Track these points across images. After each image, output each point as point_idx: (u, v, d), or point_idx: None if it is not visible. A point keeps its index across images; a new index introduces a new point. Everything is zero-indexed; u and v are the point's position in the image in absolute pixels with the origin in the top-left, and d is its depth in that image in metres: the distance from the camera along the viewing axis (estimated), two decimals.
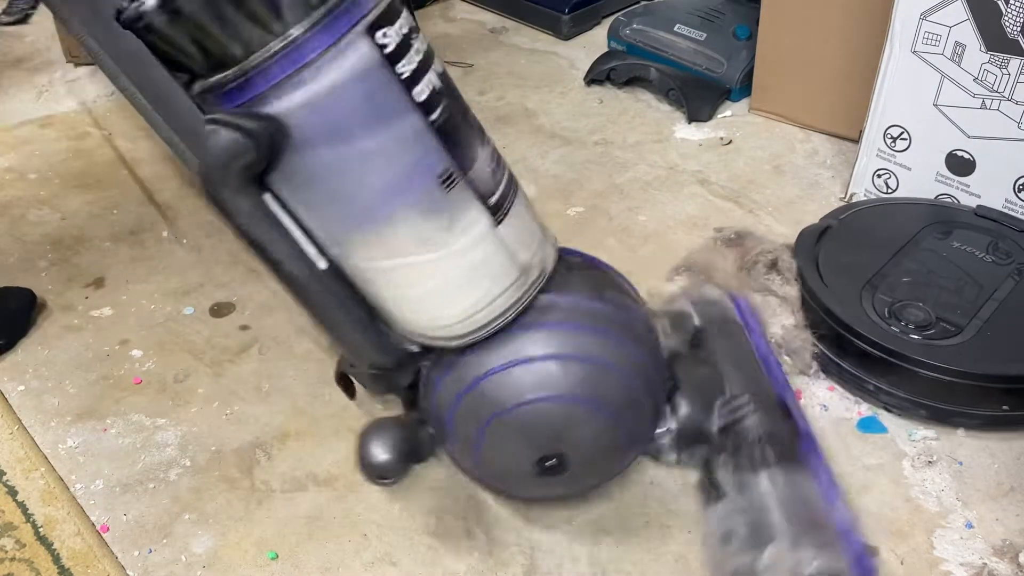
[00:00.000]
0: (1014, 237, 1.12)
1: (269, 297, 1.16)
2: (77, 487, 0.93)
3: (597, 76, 1.61)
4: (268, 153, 0.69)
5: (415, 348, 0.82)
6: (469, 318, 0.77)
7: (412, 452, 0.85)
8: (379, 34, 0.68)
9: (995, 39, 1.10)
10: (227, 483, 0.93)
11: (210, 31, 0.65)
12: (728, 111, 1.54)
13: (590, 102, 1.58)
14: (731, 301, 0.98)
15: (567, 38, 1.78)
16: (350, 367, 0.90)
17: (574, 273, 0.84)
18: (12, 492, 0.92)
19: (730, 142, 1.46)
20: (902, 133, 1.23)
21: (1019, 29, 1.07)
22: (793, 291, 1.07)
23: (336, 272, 0.76)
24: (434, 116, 0.72)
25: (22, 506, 0.90)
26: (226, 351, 1.08)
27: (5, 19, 1.87)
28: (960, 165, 1.19)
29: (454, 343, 0.79)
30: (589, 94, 1.60)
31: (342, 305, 0.78)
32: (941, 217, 1.16)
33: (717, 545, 0.82)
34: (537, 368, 0.79)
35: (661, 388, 0.86)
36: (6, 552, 0.86)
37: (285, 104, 0.67)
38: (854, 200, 1.30)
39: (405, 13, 0.71)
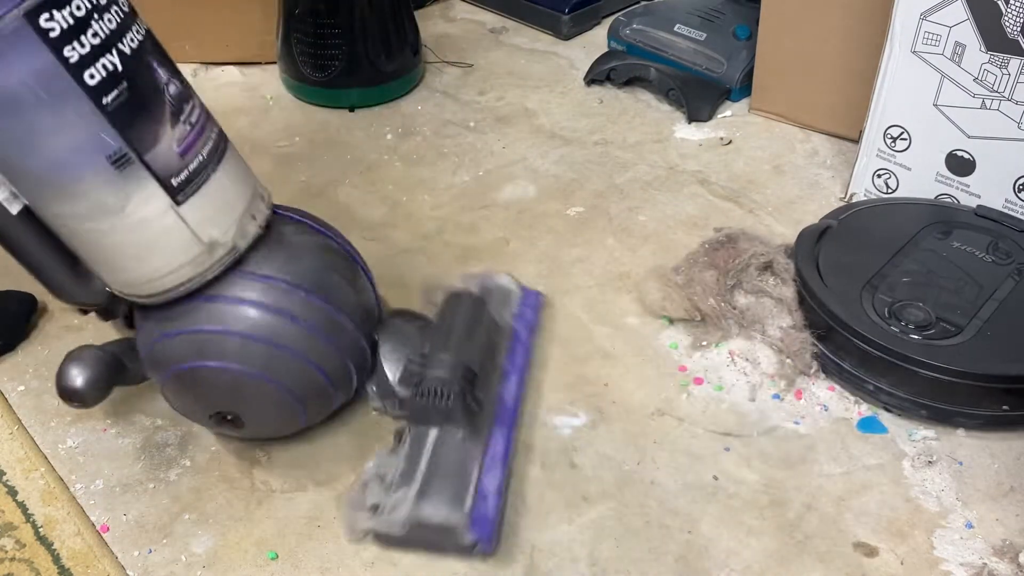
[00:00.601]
0: (1014, 237, 1.12)
1: None
2: (77, 487, 0.93)
3: (597, 76, 1.61)
4: None
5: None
6: (150, 283, 0.83)
7: (111, 381, 0.90)
8: (43, 18, 0.69)
9: (995, 39, 1.10)
10: (227, 483, 0.93)
11: None
12: (728, 111, 1.54)
13: (590, 102, 1.58)
14: (520, 290, 1.09)
15: (567, 38, 1.78)
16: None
17: (279, 249, 0.89)
18: (12, 492, 0.92)
19: (730, 142, 1.46)
20: (902, 133, 1.23)
21: (1019, 29, 1.07)
22: (789, 292, 1.07)
23: (33, 216, 0.79)
24: (107, 99, 0.74)
25: (22, 506, 0.90)
26: None
27: None
28: (960, 165, 1.19)
29: (141, 301, 0.85)
30: (589, 94, 1.60)
31: (41, 248, 0.81)
32: (941, 217, 1.16)
33: (360, 486, 0.88)
34: (206, 338, 0.86)
35: (358, 348, 0.93)
36: (6, 552, 0.86)
37: None
38: (854, 200, 1.30)
39: None
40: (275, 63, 1.62)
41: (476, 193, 1.35)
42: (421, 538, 0.85)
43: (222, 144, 0.85)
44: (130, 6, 0.78)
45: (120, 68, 0.74)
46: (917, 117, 1.20)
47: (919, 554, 0.86)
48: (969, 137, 1.17)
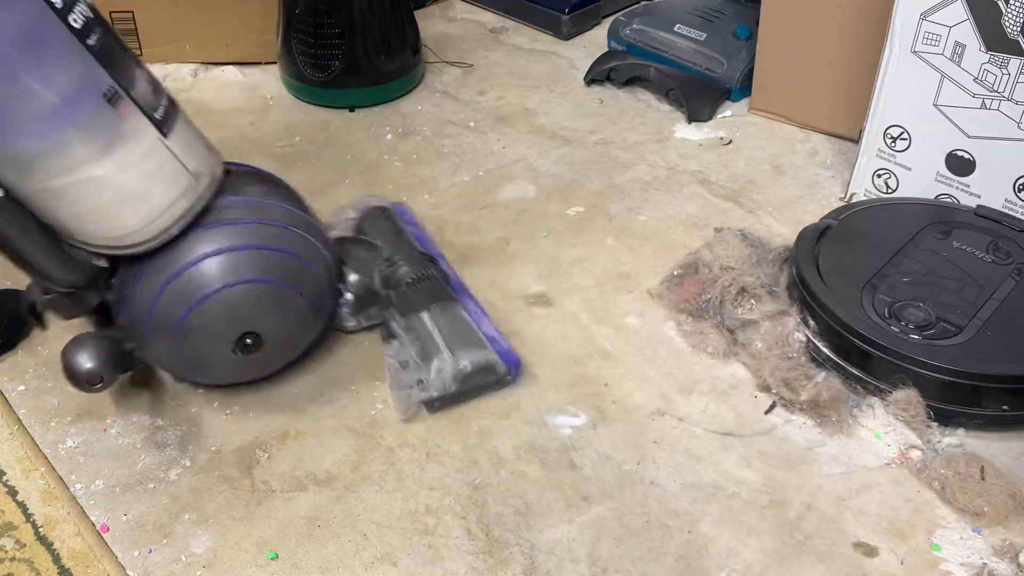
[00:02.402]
0: (1014, 237, 1.12)
1: None
2: (77, 487, 0.93)
3: (597, 76, 1.61)
4: None
5: (103, 263, 0.91)
6: (150, 224, 0.87)
7: (118, 363, 0.93)
8: None
9: (995, 39, 1.10)
10: (227, 483, 0.93)
11: None
12: (728, 111, 1.54)
13: (590, 102, 1.58)
14: (390, 205, 1.21)
15: (567, 38, 1.78)
16: (42, 295, 0.95)
17: (243, 180, 0.97)
18: (12, 492, 0.92)
19: (730, 142, 1.46)
20: (902, 133, 1.23)
21: (1019, 29, 1.07)
22: (771, 305, 1.06)
23: (13, 199, 0.82)
24: (91, 41, 0.80)
25: (22, 506, 0.90)
26: None
27: None
28: (960, 165, 1.19)
29: (140, 249, 0.88)
30: (589, 94, 1.60)
31: (24, 231, 0.84)
32: (941, 217, 1.16)
33: (395, 374, 1.01)
34: (224, 258, 0.91)
35: (333, 267, 1.01)
36: (6, 552, 0.86)
37: None
38: (854, 200, 1.30)
39: None
40: (275, 63, 1.62)
41: (476, 193, 1.35)
42: (469, 386, 1.00)
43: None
44: None
45: (92, 15, 0.82)
46: (917, 117, 1.20)
47: (919, 554, 0.86)
48: (969, 137, 1.17)
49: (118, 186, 0.84)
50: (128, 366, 0.96)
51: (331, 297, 1.02)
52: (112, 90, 0.82)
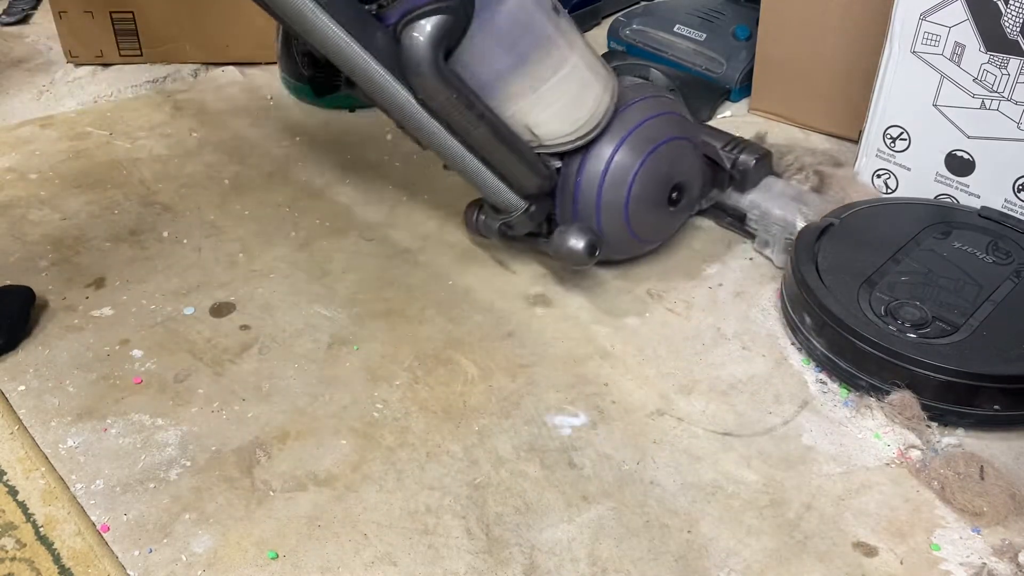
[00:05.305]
0: (1015, 238, 1.12)
1: (269, 297, 1.16)
2: (77, 487, 0.93)
3: None
4: (464, 24, 0.98)
5: (557, 164, 1.11)
6: (596, 109, 1.07)
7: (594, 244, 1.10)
8: None
9: (995, 39, 1.10)
10: (227, 483, 0.93)
11: None
12: (728, 111, 1.54)
13: None
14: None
15: None
16: (495, 219, 1.15)
17: (624, 78, 1.18)
18: (12, 492, 0.92)
19: None
20: (902, 133, 1.23)
21: (1019, 29, 1.07)
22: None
23: (502, 121, 1.05)
24: None
25: (22, 506, 0.90)
26: (226, 351, 1.09)
27: (6, 19, 1.87)
28: (960, 165, 1.19)
29: (591, 136, 1.08)
30: None
31: (515, 142, 1.06)
32: (942, 217, 1.16)
33: (766, 235, 1.21)
34: (653, 123, 1.11)
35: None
36: (6, 552, 0.86)
37: None
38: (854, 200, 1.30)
39: None
40: (275, 63, 1.62)
41: (476, 193, 1.35)
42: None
43: None
44: None
45: None
46: (917, 117, 1.20)
47: (919, 554, 0.86)
48: (969, 137, 1.17)
49: (574, 84, 1.05)
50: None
51: (704, 172, 1.21)
52: (553, 4, 1.05)
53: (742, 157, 1.23)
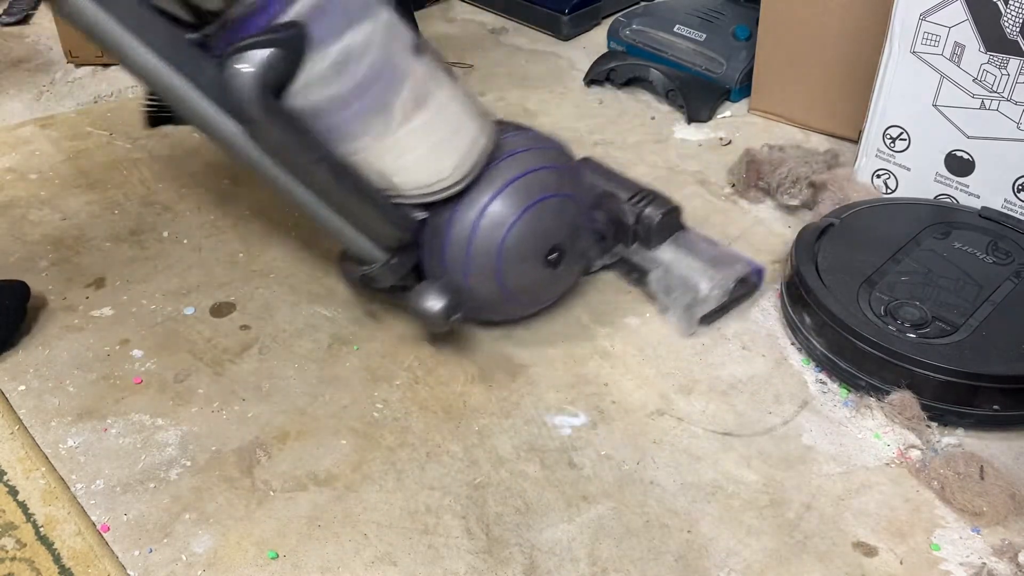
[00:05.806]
0: (1015, 238, 1.12)
1: (269, 297, 1.16)
2: (77, 487, 0.93)
3: (597, 77, 1.61)
4: (297, 59, 0.88)
5: (421, 215, 1.01)
6: (472, 148, 0.98)
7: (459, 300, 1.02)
8: None
9: (994, 39, 1.10)
10: (227, 483, 0.93)
11: None
12: (728, 111, 1.54)
13: (590, 103, 1.58)
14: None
15: (567, 38, 1.78)
16: (357, 271, 1.04)
17: (505, 125, 1.07)
18: (13, 492, 0.92)
19: (730, 142, 1.46)
20: (901, 133, 1.23)
21: (1018, 29, 1.07)
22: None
23: (349, 166, 0.95)
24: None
25: (22, 506, 0.90)
26: (226, 351, 1.09)
27: (6, 19, 1.87)
28: (959, 165, 1.19)
29: (458, 188, 0.99)
30: (589, 94, 1.60)
31: (365, 189, 0.96)
32: (942, 217, 1.16)
33: (666, 299, 1.11)
34: (533, 176, 1.01)
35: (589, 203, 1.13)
36: (7, 552, 0.86)
37: (297, 8, 0.87)
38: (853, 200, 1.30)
39: None
40: None
41: None
42: (734, 296, 1.11)
43: None
44: None
45: None
46: (916, 117, 1.20)
47: (919, 554, 0.86)
48: (968, 137, 1.17)
49: (440, 127, 0.96)
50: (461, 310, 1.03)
51: (590, 235, 1.12)
52: (415, 43, 0.96)
53: (647, 211, 1.14)
